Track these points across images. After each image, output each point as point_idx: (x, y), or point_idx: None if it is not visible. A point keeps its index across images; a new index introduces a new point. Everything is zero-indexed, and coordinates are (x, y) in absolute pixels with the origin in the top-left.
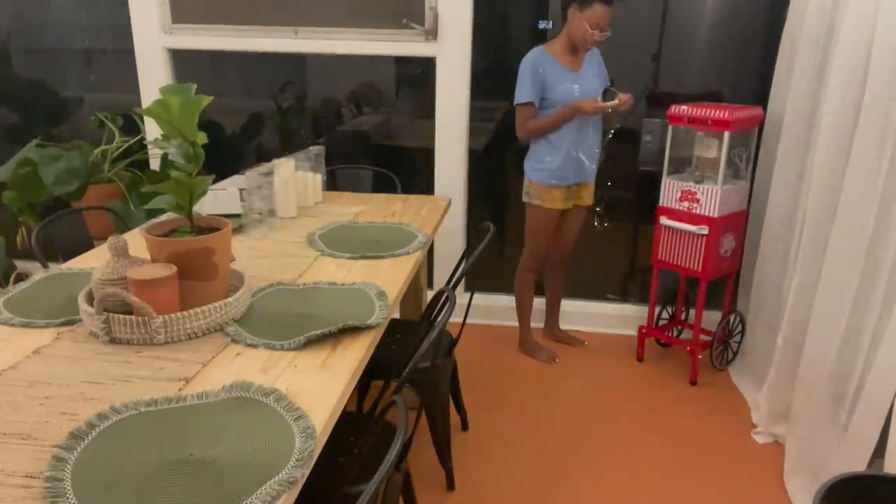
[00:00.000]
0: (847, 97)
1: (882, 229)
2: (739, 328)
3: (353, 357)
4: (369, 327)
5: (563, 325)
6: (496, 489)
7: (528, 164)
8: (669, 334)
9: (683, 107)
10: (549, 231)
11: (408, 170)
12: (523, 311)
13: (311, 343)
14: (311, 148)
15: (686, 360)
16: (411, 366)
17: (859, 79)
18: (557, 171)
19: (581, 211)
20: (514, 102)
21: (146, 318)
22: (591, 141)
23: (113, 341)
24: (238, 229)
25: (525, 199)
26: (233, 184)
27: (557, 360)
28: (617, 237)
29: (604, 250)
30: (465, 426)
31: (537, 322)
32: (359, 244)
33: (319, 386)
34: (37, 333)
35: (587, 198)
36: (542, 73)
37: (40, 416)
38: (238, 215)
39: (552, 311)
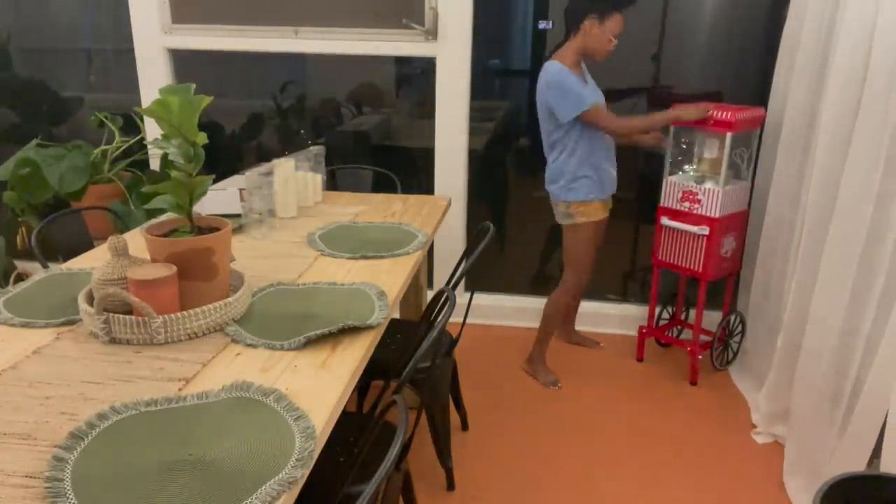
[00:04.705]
0: (847, 97)
1: (879, 229)
2: (739, 328)
3: (353, 357)
4: (369, 327)
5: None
6: (496, 489)
7: (558, 186)
8: (669, 334)
9: None
10: (594, 245)
11: (408, 170)
12: (547, 335)
13: (311, 343)
14: (311, 148)
15: (686, 360)
16: (411, 366)
17: (859, 79)
18: (596, 185)
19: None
20: (578, 112)
21: (146, 318)
22: (614, 152)
23: (113, 341)
24: (238, 229)
25: (566, 221)
26: (233, 184)
27: (560, 385)
28: (617, 237)
29: (604, 250)
30: (465, 426)
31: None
32: (359, 244)
33: (319, 386)
34: (37, 333)
35: (611, 203)
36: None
37: (40, 416)
38: (238, 215)
39: (570, 315)
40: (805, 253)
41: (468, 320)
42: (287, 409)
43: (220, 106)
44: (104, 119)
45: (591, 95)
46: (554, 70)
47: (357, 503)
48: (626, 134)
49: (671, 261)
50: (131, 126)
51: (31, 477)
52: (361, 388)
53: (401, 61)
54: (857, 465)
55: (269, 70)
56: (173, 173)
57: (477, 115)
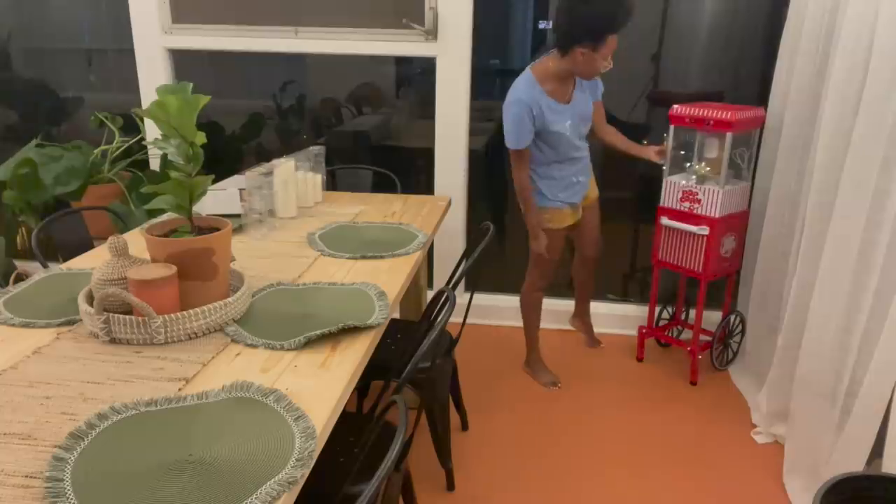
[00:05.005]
0: (847, 98)
1: (874, 229)
2: (739, 328)
3: (353, 357)
4: (369, 327)
5: (564, 325)
6: (496, 489)
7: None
8: (669, 334)
9: (685, 107)
10: (560, 248)
11: (408, 170)
12: (531, 331)
13: (311, 343)
14: (311, 148)
15: (686, 360)
16: (411, 366)
17: (859, 79)
18: (563, 196)
19: (593, 206)
20: (511, 147)
21: (146, 318)
22: (586, 163)
23: (113, 341)
24: (238, 229)
25: None
26: (233, 184)
27: (559, 385)
28: (617, 237)
29: (604, 250)
30: (465, 426)
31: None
32: (359, 244)
33: (319, 386)
34: (37, 333)
35: (592, 194)
36: (536, 114)
37: (40, 416)
38: (238, 215)
39: (582, 303)
40: (805, 253)
41: (468, 320)
42: (287, 410)
43: (220, 106)
44: (104, 119)
45: (555, 122)
46: (521, 94)
47: (357, 503)
48: (516, 189)
49: (671, 261)
50: (131, 126)
51: (31, 477)
52: (361, 388)
53: (401, 61)
54: (857, 464)
55: (269, 70)
56: (173, 173)
57: (477, 115)
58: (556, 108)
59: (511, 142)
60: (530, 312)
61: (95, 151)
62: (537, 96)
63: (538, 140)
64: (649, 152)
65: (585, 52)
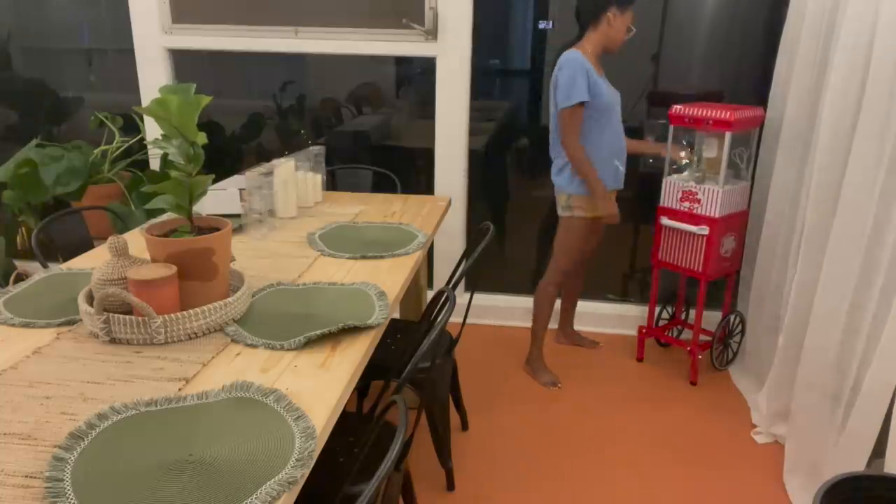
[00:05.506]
0: (847, 97)
1: (881, 229)
2: (739, 328)
3: (353, 357)
4: (369, 327)
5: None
6: (496, 489)
7: (563, 177)
8: (669, 334)
9: (684, 107)
10: (586, 242)
11: (408, 170)
12: (540, 328)
13: (311, 343)
14: (311, 148)
15: (686, 360)
16: (411, 366)
17: (859, 79)
18: (603, 175)
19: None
20: (566, 104)
21: (146, 318)
22: (625, 148)
23: (113, 341)
24: (238, 229)
25: (565, 213)
26: (233, 184)
27: (559, 385)
28: (617, 237)
29: (604, 250)
30: (465, 426)
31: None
32: (359, 244)
33: (319, 386)
34: (37, 333)
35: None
36: (590, 74)
37: (40, 416)
38: (238, 215)
39: (567, 313)
40: (805, 252)
41: (468, 320)
42: (287, 410)
43: (220, 106)
44: (104, 119)
45: (607, 93)
46: (572, 56)
47: (357, 503)
48: (569, 156)
49: (671, 261)
50: (131, 126)
51: (31, 477)
52: (361, 388)
53: (401, 61)
54: (858, 464)
55: (269, 70)
56: (173, 173)
57: (477, 115)
58: (601, 78)
59: (573, 96)
60: (544, 307)
61: (95, 151)
62: (587, 64)
63: (593, 102)
64: (658, 148)
65: (615, 15)
